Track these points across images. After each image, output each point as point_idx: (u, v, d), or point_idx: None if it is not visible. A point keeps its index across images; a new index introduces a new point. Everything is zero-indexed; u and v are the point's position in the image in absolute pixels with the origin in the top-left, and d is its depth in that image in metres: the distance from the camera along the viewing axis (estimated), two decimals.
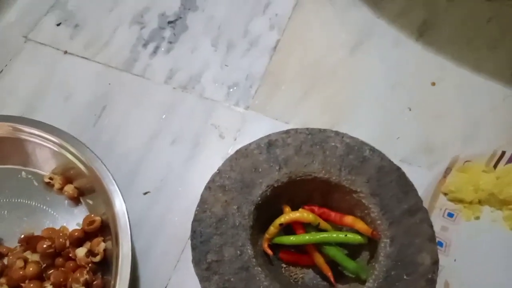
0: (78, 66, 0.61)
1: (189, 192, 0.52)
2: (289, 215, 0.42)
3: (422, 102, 0.59)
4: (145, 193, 0.52)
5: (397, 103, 0.59)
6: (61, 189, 0.51)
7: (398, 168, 0.43)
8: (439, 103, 0.59)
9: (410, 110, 0.59)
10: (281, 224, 0.42)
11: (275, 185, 0.42)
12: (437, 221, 0.50)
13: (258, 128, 0.56)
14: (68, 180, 0.51)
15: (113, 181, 0.47)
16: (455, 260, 0.48)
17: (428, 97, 0.59)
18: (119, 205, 0.46)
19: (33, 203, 0.51)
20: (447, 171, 0.53)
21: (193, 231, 0.39)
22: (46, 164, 0.52)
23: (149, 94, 0.59)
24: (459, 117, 0.58)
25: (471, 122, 0.58)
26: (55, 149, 0.50)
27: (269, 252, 0.42)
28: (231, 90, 0.59)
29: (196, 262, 0.38)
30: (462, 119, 0.58)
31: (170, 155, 0.55)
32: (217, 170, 0.42)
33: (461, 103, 0.59)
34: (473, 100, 0.59)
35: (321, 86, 0.60)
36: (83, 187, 0.51)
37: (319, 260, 0.41)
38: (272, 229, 0.42)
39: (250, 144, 0.44)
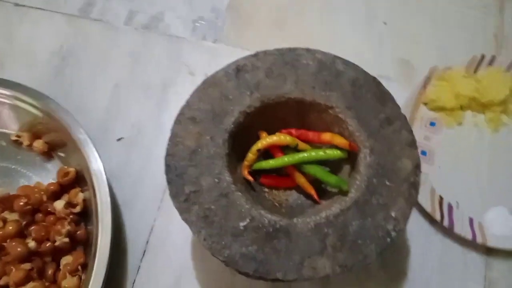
0: (32, 17, 0.57)
1: (165, 134, 0.50)
2: (266, 140, 0.41)
3: (397, 15, 0.57)
4: (119, 139, 0.50)
5: (374, 18, 0.57)
6: (30, 146, 0.49)
7: (374, 79, 0.41)
8: (414, 15, 0.57)
9: (385, 24, 0.57)
10: (258, 150, 0.40)
11: (248, 111, 0.40)
12: (420, 131, 0.49)
13: (229, 60, 0.52)
14: (36, 136, 0.50)
15: (81, 130, 0.46)
16: (439, 167, 0.48)
17: (403, 10, 0.57)
18: (91, 154, 0.45)
19: (4, 164, 0.50)
20: (427, 81, 0.51)
21: (167, 165, 0.38)
22: (11, 122, 0.50)
23: (111, 38, 0.56)
24: (436, 27, 0.56)
25: (447, 31, 0.56)
26: (18, 104, 0.48)
27: (250, 178, 0.41)
28: (197, 24, 0.57)
29: (174, 195, 0.37)
30: (439, 29, 0.56)
31: (141, 99, 0.53)
32: (185, 102, 0.40)
33: (436, 13, 0.57)
34: (448, 7, 0.57)
35: (294, 16, 0.57)
36: (53, 141, 0.49)
37: (301, 180, 0.40)
38: (251, 155, 0.41)
39: (217, 72, 0.42)
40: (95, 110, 0.52)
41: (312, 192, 0.40)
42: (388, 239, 0.35)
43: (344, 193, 0.38)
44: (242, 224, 0.35)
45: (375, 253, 0.34)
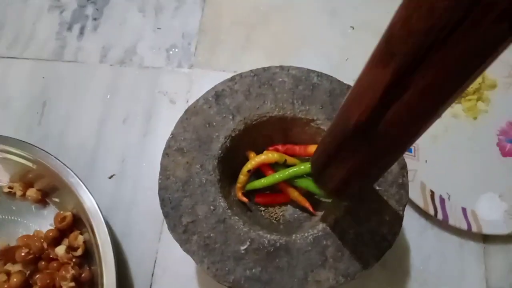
0: (6, 67, 0.57)
1: (154, 165, 0.50)
2: (255, 160, 0.41)
3: (363, 19, 0.58)
4: (110, 177, 0.51)
5: (340, 25, 0.58)
6: (24, 195, 0.49)
7: (349, 87, 0.42)
8: (381, 16, 0.58)
9: (353, 29, 0.58)
10: (249, 171, 0.41)
11: (233, 135, 0.41)
12: None
13: (207, 84, 0.53)
14: (28, 185, 0.50)
15: (71, 172, 0.46)
16: (426, 161, 0.49)
17: (369, 13, 0.58)
18: (84, 195, 0.45)
19: (0, 216, 0.50)
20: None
21: (162, 200, 0.38)
22: (0, 175, 0.50)
23: (87, 77, 0.56)
24: None
25: None
26: (2, 156, 0.48)
27: (244, 199, 0.41)
28: (170, 52, 0.57)
29: (172, 228, 0.37)
30: None
31: (125, 134, 0.53)
32: (171, 134, 0.41)
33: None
34: None
35: (261, 29, 0.58)
36: (45, 187, 0.49)
37: (294, 194, 0.41)
38: (242, 177, 0.42)
39: (197, 100, 0.42)
40: (81, 149, 0.52)
41: (307, 205, 0.41)
42: (386, 243, 0.36)
43: (337, 203, 0.39)
44: (242, 247, 0.36)
45: (375, 259, 0.35)
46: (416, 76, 0.19)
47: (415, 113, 0.21)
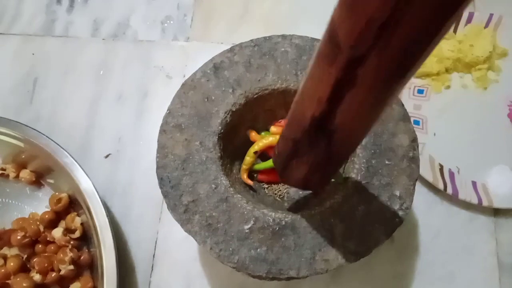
0: None
1: (152, 144, 0.48)
2: (262, 142, 0.40)
3: None
4: (107, 156, 0.49)
5: None
6: (17, 177, 0.48)
7: None
8: None
9: None
10: (255, 152, 0.40)
11: (233, 109, 0.39)
12: (409, 101, 0.48)
13: (205, 57, 0.51)
14: (21, 166, 0.48)
15: (66, 153, 0.44)
16: (434, 134, 0.48)
17: None
18: (80, 175, 0.44)
19: None
20: None
21: (160, 179, 0.37)
22: None
23: (79, 53, 0.54)
24: None
25: None
26: None
27: (250, 182, 0.40)
28: (165, 25, 0.55)
29: (172, 208, 0.36)
30: None
31: (120, 112, 0.51)
32: (167, 110, 0.39)
33: None
34: None
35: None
36: (39, 168, 0.48)
37: None
38: (248, 159, 0.40)
39: (195, 73, 0.40)
40: (75, 129, 0.50)
41: None
42: (397, 219, 0.34)
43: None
44: (246, 227, 0.35)
45: (386, 236, 0.34)
46: (362, 68, 0.19)
47: (366, 104, 0.21)
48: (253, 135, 0.40)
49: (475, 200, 0.44)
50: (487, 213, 0.45)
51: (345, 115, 0.22)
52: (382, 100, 0.21)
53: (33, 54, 0.53)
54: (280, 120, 0.41)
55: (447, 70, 0.50)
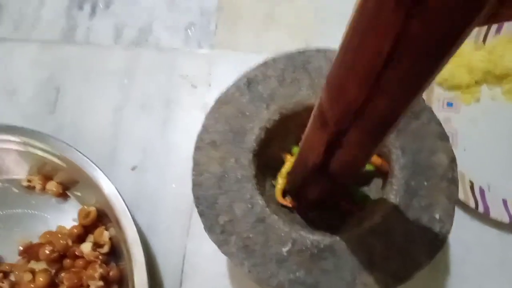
0: (12, 51, 0.54)
1: (178, 154, 0.49)
2: (292, 162, 0.39)
3: None
4: (133, 168, 0.49)
5: None
6: (43, 189, 0.47)
7: None
8: None
9: None
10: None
11: (268, 126, 0.38)
12: (439, 114, 0.47)
13: (230, 65, 0.51)
14: (47, 178, 0.47)
15: (94, 165, 0.44)
16: (464, 150, 0.47)
17: None
18: (108, 188, 0.43)
19: (20, 211, 0.48)
20: None
21: (196, 198, 0.36)
22: (18, 167, 0.47)
23: (101, 60, 0.53)
24: None
25: None
26: (21, 149, 0.46)
27: (287, 203, 0.39)
28: (189, 31, 0.54)
29: (209, 228, 0.35)
30: None
31: (144, 121, 0.50)
32: (202, 126, 0.38)
33: None
34: None
35: (285, 4, 0.55)
36: (65, 180, 0.47)
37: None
38: (281, 180, 0.40)
39: (228, 88, 0.39)
40: (98, 139, 0.50)
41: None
42: (438, 243, 0.34)
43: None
44: (284, 249, 0.34)
45: (427, 259, 0.34)
46: (346, 136, 0.25)
47: (352, 158, 0.28)
48: (288, 158, 0.40)
49: (506, 219, 0.44)
50: None
51: (337, 164, 0.29)
52: (364, 154, 0.28)
53: (53, 61, 0.53)
54: None
55: (477, 82, 0.49)
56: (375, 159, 0.38)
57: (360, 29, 0.19)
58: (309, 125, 0.29)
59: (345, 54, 0.21)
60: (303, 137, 0.31)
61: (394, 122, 0.24)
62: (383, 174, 0.39)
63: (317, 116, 0.27)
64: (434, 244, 0.34)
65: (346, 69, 0.22)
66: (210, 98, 0.39)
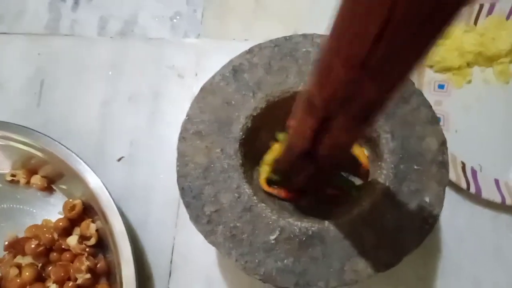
0: None
1: (166, 145, 0.48)
2: (277, 150, 0.38)
3: None
4: (119, 159, 0.48)
5: None
6: (28, 183, 0.46)
7: None
8: None
9: None
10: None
11: (254, 114, 0.37)
12: (430, 97, 0.46)
13: (218, 54, 0.50)
14: (32, 172, 0.47)
15: (78, 158, 0.43)
16: (456, 132, 0.46)
17: None
18: (93, 181, 0.42)
19: (5, 206, 0.47)
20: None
21: (181, 188, 0.35)
22: (1, 162, 0.47)
23: (86, 52, 0.52)
24: None
25: None
26: (3, 143, 0.45)
27: (272, 190, 0.39)
28: (175, 21, 0.53)
29: (195, 219, 0.35)
30: None
31: (131, 113, 0.49)
32: (186, 116, 0.37)
33: None
34: None
35: None
36: (50, 174, 0.46)
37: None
38: (267, 168, 0.39)
39: (213, 77, 0.39)
40: (86, 132, 0.49)
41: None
42: (426, 227, 0.33)
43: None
44: (272, 237, 0.34)
45: (416, 244, 0.33)
46: (334, 121, 0.25)
47: (339, 143, 0.28)
48: (276, 147, 0.39)
49: (498, 199, 0.43)
50: (510, 211, 0.44)
51: (325, 149, 0.29)
52: (352, 138, 0.29)
53: (38, 54, 0.52)
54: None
55: (468, 64, 0.48)
56: (363, 159, 0.38)
57: (348, 13, 0.19)
58: (297, 111, 0.29)
59: (333, 37, 0.21)
60: (291, 123, 0.31)
61: (382, 107, 0.24)
62: (372, 147, 0.38)
63: (305, 102, 0.26)
64: (424, 228, 0.33)
65: (334, 52, 0.21)
66: (198, 88, 0.38)
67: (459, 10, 0.17)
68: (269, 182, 0.39)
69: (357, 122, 0.25)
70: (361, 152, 0.38)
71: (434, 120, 0.36)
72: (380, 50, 0.19)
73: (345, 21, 0.20)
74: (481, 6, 0.49)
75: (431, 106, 0.36)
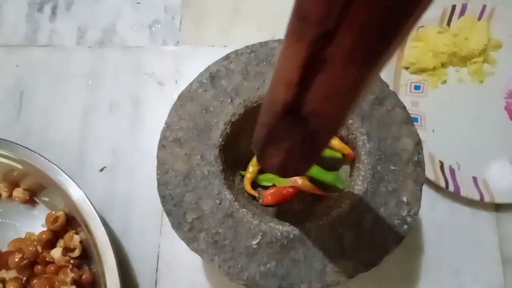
0: None
1: (148, 153, 0.48)
2: None
3: None
4: (101, 170, 0.48)
5: None
6: (10, 196, 0.46)
7: None
8: None
9: None
10: None
11: (233, 120, 0.38)
12: (406, 98, 0.48)
13: (197, 61, 0.51)
14: (14, 185, 0.46)
15: (59, 170, 0.43)
16: (433, 131, 0.47)
17: None
18: (75, 192, 0.42)
19: None
20: (403, 44, 0.49)
21: (162, 196, 0.36)
22: None
23: (65, 62, 0.52)
24: None
25: None
26: None
27: (254, 193, 0.39)
28: (153, 29, 0.53)
29: (177, 226, 0.35)
30: None
31: (112, 123, 0.49)
32: (165, 124, 0.38)
33: None
34: None
35: None
36: (32, 186, 0.46)
37: (305, 183, 0.39)
38: (252, 168, 0.39)
39: (191, 84, 0.39)
40: (67, 142, 0.49)
41: (316, 190, 0.39)
42: (405, 226, 0.34)
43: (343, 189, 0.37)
44: (254, 242, 0.34)
45: (395, 243, 0.34)
46: (333, 43, 0.17)
47: (340, 88, 0.19)
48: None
49: (476, 197, 0.44)
50: (489, 208, 0.45)
51: (318, 98, 0.20)
52: (359, 82, 0.19)
53: (17, 66, 0.51)
54: None
55: (443, 65, 0.49)
56: (343, 147, 0.38)
57: None
58: (283, 43, 0.20)
59: None
60: (275, 66, 0.22)
61: (404, 20, 0.17)
62: (351, 161, 0.39)
63: (294, 20, 0.19)
64: (402, 227, 0.34)
65: None
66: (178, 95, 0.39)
67: None
68: (254, 185, 0.39)
69: (368, 44, 0.17)
70: (339, 143, 0.39)
71: (409, 120, 0.37)
72: None
73: None
74: (453, 7, 0.50)
75: (405, 107, 0.37)
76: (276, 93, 0.22)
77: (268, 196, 0.39)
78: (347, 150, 0.38)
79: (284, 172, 0.29)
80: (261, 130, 0.27)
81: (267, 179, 0.40)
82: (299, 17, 0.18)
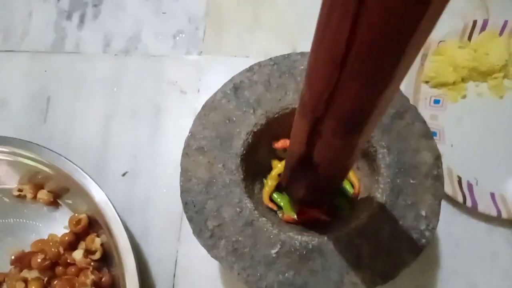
0: (3, 62, 0.54)
1: (168, 160, 0.49)
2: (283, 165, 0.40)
3: None
4: (124, 174, 0.49)
5: None
6: (34, 198, 0.48)
7: None
8: None
9: None
10: (279, 175, 0.40)
11: (255, 130, 0.39)
12: (425, 112, 0.48)
13: (219, 70, 0.52)
14: (38, 187, 0.48)
15: (84, 173, 0.44)
16: (452, 146, 0.48)
17: None
18: (99, 195, 0.43)
19: (11, 220, 0.48)
20: (423, 58, 0.50)
21: (185, 203, 0.36)
22: (9, 177, 0.48)
23: (91, 69, 0.53)
24: None
25: None
26: (11, 159, 0.46)
27: (272, 206, 0.40)
28: (177, 38, 0.54)
29: (198, 233, 0.36)
30: None
31: (134, 129, 0.51)
32: (189, 133, 0.39)
33: None
34: None
35: (268, 7, 0.55)
36: (56, 189, 0.47)
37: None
38: (271, 182, 0.40)
39: (215, 94, 0.40)
40: (90, 147, 0.50)
41: (327, 219, 0.39)
42: (423, 240, 0.34)
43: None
44: (273, 251, 0.35)
45: (413, 257, 0.34)
46: (323, 124, 0.25)
47: (333, 150, 0.28)
48: (275, 164, 0.40)
49: (494, 213, 0.44)
50: (506, 224, 0.45)
51: (320, 155, 0.29)
52: (344, 148, 0.28)
53: (45, 71, 0.53)
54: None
55: (463, 79, 0.49)
56: (355, 182, 0.39)
57: (323, 18, 0.21)
58: (295, 115, 0.29)
59: (315, 40, 0.22)
60: (292, 131, 0.31)
61: (370, 115, 0.24)
62: (369, 161, 0.39)
63: (300, 105, 0.27)
64: (420, 241, 0.34)
65: (316, 53, 0.22)
66: (200, 104, 0.39)
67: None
68: (272, 199, 0.40)
69: (345, 127, 0.25)
70: (354, 177, 0.39)
71: (429, 134, 0.37)
72: (354, 51, 0.20)
73: (320, 26, 0.21)
74: (475, 22, 0.50)
75: (425, 121, 0.38)
76: (294, 148, 0.31)
77: (301, 213, 0.40)
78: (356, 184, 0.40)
79: (307, 202, 0.39)
80: (286, 171, 0.37)
81: (278, 200, 0.40)
82: (302, 104, 0.26)
